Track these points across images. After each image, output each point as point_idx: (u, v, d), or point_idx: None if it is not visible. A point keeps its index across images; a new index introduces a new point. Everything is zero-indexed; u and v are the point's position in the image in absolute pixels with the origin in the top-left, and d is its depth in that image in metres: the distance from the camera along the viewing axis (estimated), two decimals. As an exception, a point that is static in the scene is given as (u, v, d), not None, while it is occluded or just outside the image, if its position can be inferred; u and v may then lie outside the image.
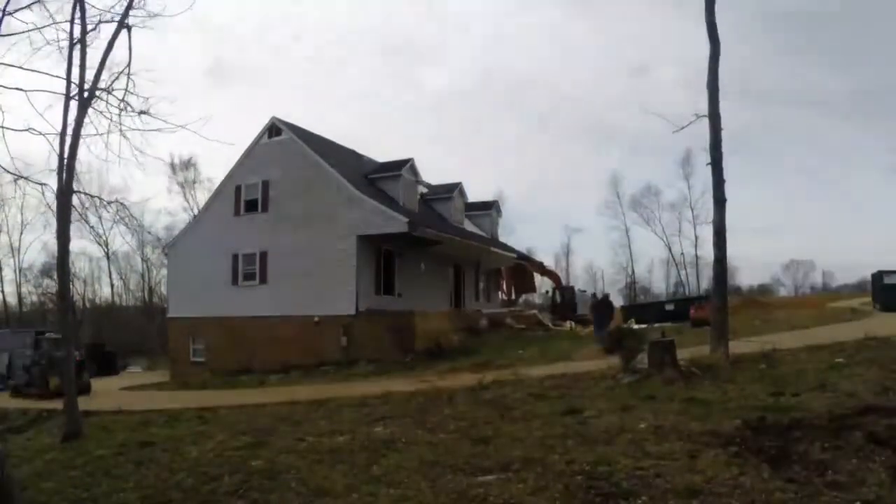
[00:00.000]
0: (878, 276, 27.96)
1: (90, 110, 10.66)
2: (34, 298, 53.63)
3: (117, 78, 10.71)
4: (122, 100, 10.56)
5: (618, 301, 46.93)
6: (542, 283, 41.67)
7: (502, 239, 35.17)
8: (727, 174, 13.10)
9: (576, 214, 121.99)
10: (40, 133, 9.74)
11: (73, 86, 10.50)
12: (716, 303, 13.51)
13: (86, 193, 11.85)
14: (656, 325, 25.30)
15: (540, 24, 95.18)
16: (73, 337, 15.18)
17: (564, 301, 34.94)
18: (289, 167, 22.80)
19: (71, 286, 33.63)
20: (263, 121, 24.01)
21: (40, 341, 22.88)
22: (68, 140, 10.56)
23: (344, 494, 5.59)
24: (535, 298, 48.87)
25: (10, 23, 8.59)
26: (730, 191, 13.16)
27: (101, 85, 10.69)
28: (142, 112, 10.46)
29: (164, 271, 43.98)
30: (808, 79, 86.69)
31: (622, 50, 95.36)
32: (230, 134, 13.90)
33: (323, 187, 22.05)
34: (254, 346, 21.75)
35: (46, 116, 9.94)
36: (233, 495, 5.94)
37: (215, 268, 23.58)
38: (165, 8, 10.84)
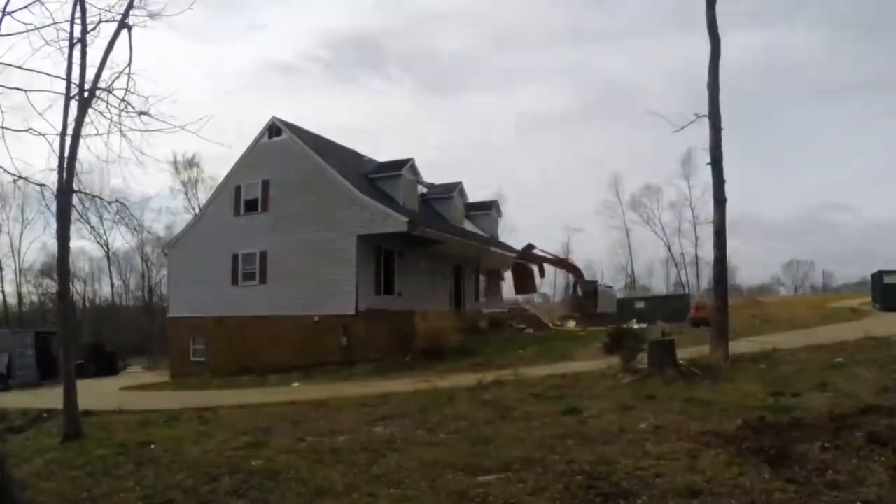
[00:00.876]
0: (878, 276, 27.97)
1: (90, 110, 10.64)
2: (34, 298, 53.69)
3: (118, 77, 10.68)
4: (123, 99, 10.54)
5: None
6: (542, 283, 40.75)
7: (503, 239, 35.11)
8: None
9: (576, 214, 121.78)
10: (40, 133, 9.72)
11: (73, 86, 10.49)
12: (716, 303, 13.51)
13: (86, 193, 11.82)
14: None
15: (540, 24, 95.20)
16: (73, 337, 15.15)
17: (585, 296, 33.94)
18: (289, 167, 22.80)
19: (71, 286, 33.70)
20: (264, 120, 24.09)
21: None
22: (68, 140, 10.55)
23: (344, 494, 5.59)
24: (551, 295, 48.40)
25: (10, 23, 8.57)
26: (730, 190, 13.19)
27: (102, 85, 10.67)
28: (142, 113, 10.43)
29: (164, 271, 43.98)
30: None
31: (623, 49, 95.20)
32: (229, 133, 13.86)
33: (323, 187, 22.04)
34: (254, 346, 21.75)
35: (46, 116, 9.97)
36: (233, 495, 5.94)
37: (215, 268, 23.59)
38: (165, 7, 10.81)
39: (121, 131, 10.39)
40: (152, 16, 10.80)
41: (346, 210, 21.43)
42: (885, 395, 8.06)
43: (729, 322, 13.47)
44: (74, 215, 11.36)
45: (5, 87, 8.16)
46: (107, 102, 10.59)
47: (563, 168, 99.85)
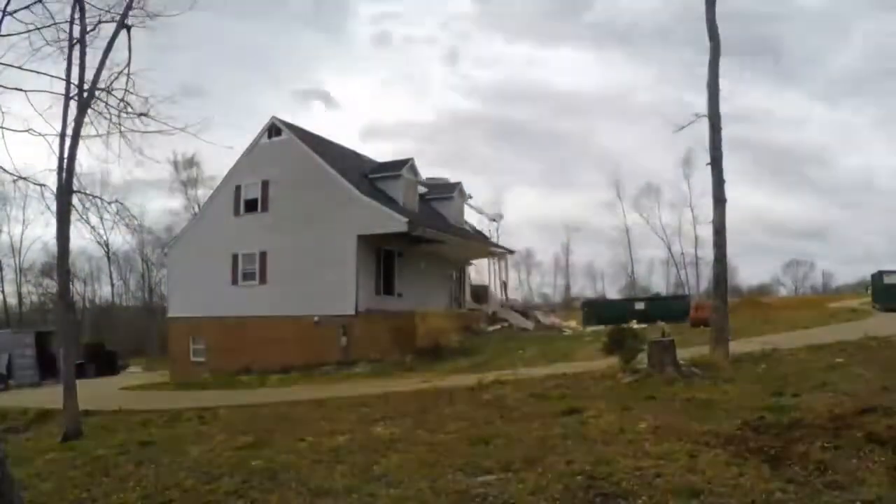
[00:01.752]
0: (878, 276, 28.00)
1: (90, 111, 10.65)
2: (34, 298, 53.67)
3: (117, 78, 10.70)
4: (122, 100, 10.55)
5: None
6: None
7: (504, 239, 35.06)
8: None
9: (576, 214, 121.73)
10: (40, 133, 9.74)
11: (72, 86, 10.49)
12: (715, 303, 13.50)
13: (86, 193, 11.83)
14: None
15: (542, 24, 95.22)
16: (73, 337, 15.15)
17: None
18: (289, 167, 22.78)
19: (71, 286, 33.66)
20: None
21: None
22: (68, 140, 10.55)
23: (344, 494, 5.59)
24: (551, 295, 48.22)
25: (10, 23, 8.57)
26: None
27: (101, 85, 10.68)
28: (141, 114, 10.45)
29: (164, 271, 43.97)
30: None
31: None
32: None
33: (323, 187, 22.03)
34: (254, 346, 21.72)
35: (46, 117, 9.95)
36: (233, 495, 5.94)
37: (215, 268, 23.58)
38: (165, 8, 10.82)
39: (120, 132, 10.40)
40: (151, 16, 10.82)
41: (346, 210, 21.43)
42: (885, 395, 8.05)
43: (729, 322, 13.46)
44: (74, 215, 11.35)
45: (5, 87, 8.18)
46: (106, 103, 10.61)
47: (564, 167, 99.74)
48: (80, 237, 45.16)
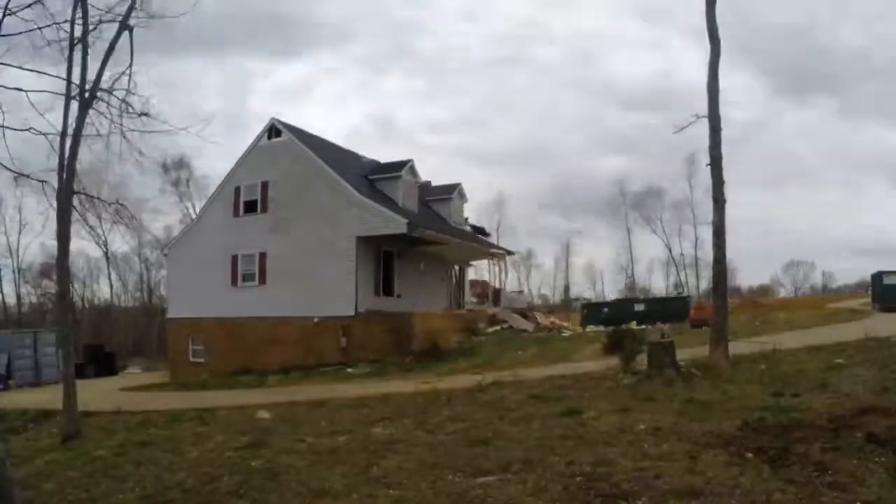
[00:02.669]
0: (878, 277, 28.03)
1: (91, 111, 10.64)
2: (33, 299, 53.68)
3: (118, 78, 10.70)
4: (123, 100, 10.55)
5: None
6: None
7: (504, 238, 35.04)
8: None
9: (576, 214, 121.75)
10: (41, 133, 9.74)
11: (73, 86, 10.49)
12: (715, 303, 13.48)
13: (86, 194, 11.82)
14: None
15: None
16: (72, 337, 15.14)
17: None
18: (288, 168, 22.80)
19: (70, 286, 33.66)
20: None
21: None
22: (69, 140, 10.55)
23: (344, 495, 5.59)
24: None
25: (11, 22, 8.57)
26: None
27: (102, 86, 10.67)
28: (142, 114, 10.45)
29: (163, 272, 43.97)
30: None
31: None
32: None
33: (322, 188, 22.04)
34: (253, 347, 21.73)
35: (47, 117, 9.94)
36: (233, 495, 5.93)
37: (215, 268, 23.57)
38: (167, 9, 10.81)
39: (121, 132, 10.40)
40: (154, 17, 10.81)
41: (346, 211, 21.44)
42: (885, 395, 8.07)
43: (728, 323, 13.45)
44: (74, 215, 11.35)
45: (5, 87, 8.18)
46: (107, 103, 10.60)
47: (564, 167, 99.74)
48: (78, 237, 45.15)
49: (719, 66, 12.82)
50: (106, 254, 52.65)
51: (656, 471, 5.37)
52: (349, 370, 19.35)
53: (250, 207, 23.49)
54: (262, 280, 22.89)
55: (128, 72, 10.68)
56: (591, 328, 30.01)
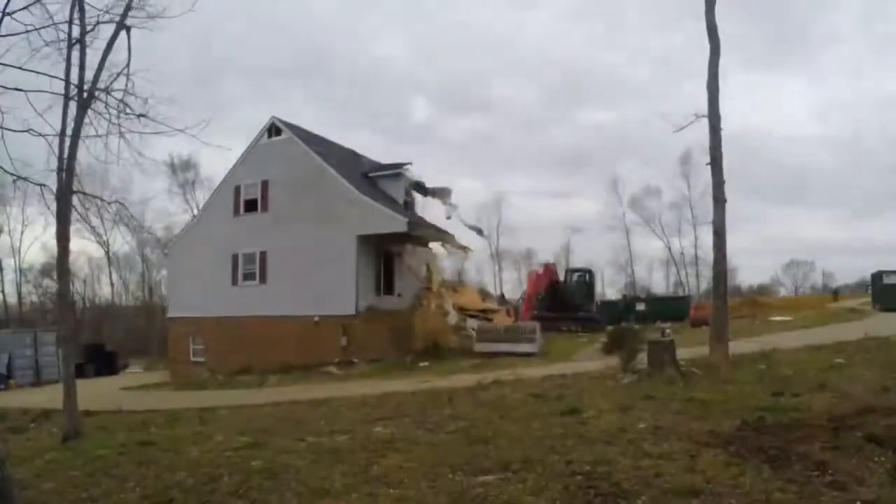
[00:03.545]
0: (878, 276, 28.02)
1: (90, 112, 10.63)
2: (34, 298, 53.69)
3: (116, 78, 10.67)
4: (121, 100, 10.52)
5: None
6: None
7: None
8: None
9: (576, 214, 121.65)
10: (40, 134, 9.70)
11: (72, 87, 10.47)
12: (715, 303, 13.48)
13: (86, 194, 11.79)
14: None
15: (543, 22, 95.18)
16: (73, 337, 15.16)
17: (560, 295, 30.64)
18: (288, 167, 22.80)
19: (71, 286, 33.65)
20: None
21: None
22: (68, 141, 10.54)
23: (344, 494, 5.59)
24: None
25: (9, 23, 8.56)
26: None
27: (101, 86, 10.66)
28: (141, 115, 10.42)
29: (163, 271, 43.98)
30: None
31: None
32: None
33: (323, 187, 22.04)
34: (254, 346, 21.75)
35: (46, 117, 9.91)
36: (233, 495, 5.93)
37: (215, 268, 23.60)
38: (166, 10, 10.78)
39: (120, 133, 10.37)
40: (152, 17, 10.78)
41: (346, 210, 21.44)
42: (885, 395, 8.07)
43: (729, 322, 13.45)
44: (74, 216, 11.33)
45: (5, 87, 8.16)
46: (105, 104, 10.58)
47: (564, 168, 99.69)
48: (79, 237, 45.15)
49: (719, 66, 12.82)
50: (107, 253, 52.76)
51: (656, 470, 5.37)
52: (349, 369, 19.37)
53: (251, 206, 23.50)
54: (263, 279, 22.92)
55: (125, 72, 10.66)
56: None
